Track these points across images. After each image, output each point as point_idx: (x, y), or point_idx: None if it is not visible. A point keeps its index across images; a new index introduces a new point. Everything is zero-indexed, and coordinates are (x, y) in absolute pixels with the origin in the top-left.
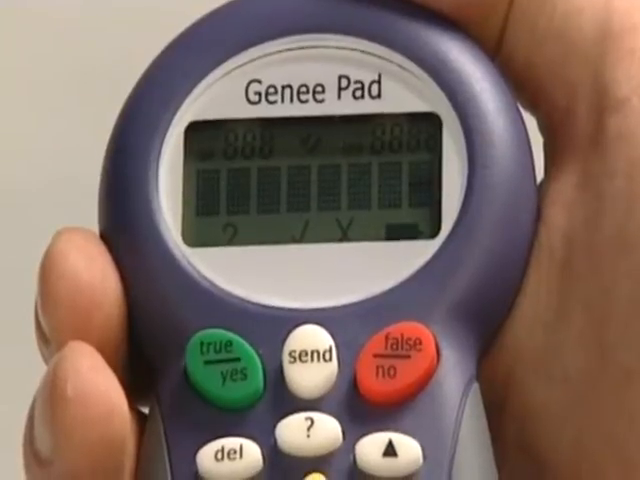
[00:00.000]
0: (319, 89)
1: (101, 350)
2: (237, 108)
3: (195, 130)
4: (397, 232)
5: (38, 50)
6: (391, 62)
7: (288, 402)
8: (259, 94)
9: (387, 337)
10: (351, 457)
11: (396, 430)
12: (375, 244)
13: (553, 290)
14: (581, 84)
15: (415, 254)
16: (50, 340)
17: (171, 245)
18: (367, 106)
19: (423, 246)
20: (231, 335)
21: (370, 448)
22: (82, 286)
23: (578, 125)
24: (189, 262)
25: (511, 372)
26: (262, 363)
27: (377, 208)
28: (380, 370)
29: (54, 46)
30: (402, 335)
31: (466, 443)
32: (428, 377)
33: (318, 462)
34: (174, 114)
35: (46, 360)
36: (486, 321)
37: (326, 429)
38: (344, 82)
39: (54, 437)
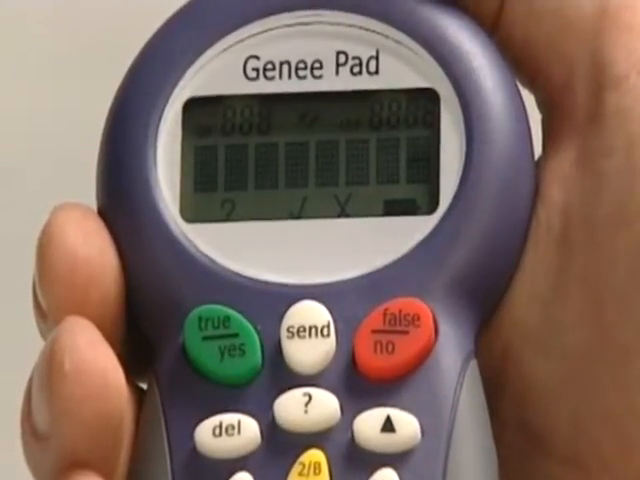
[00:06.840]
0: (317, 65)
1: (99, 325)
2: (235, 84)
3: (193, 106)
4: (395, 208)
5: (36, 25)
6: (389, 38)
7: (286, 378)
8: (257, 70)
9: (385, 313)
10: (349, 433)
11: (394, 406)
12: (373, 220)
13: (551, 266)
14: (579, 61)
15: (413, 230)
16: (48, 315)
17: (169, 221)
18: (365, 82)
19: (421, 222)
20: (229, 311)
21: (368, 424)
22: (80, 262)
23: (576, 102)
24: (187, 238)
25: (509, 347)
26: (260, 339)
27: (375, 184)
28: (378, 346)
29: (52, 21)
30: (400, 311)
31: (464, 419)
32: (426, 353)
33: (316, 438)
34: (172, 90)
35: (44, 335)
36: (484, 297)
37: (324, 405)
38: (342, 58)
39: (51, 412)
